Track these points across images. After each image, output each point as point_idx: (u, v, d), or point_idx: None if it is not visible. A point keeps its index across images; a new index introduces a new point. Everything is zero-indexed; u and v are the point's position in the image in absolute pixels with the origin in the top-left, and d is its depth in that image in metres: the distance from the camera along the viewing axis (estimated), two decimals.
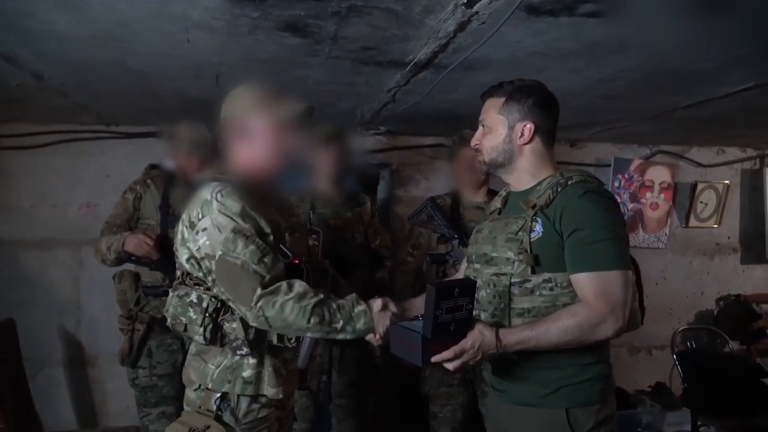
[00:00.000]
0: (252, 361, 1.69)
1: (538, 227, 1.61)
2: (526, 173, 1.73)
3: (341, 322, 1.61)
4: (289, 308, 1.56)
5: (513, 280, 1.62)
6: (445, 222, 2.73)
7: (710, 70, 2.29)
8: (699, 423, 3.41)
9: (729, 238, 4.72)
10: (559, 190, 1.62)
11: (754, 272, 4.69)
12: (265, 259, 1.59)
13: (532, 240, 1.61)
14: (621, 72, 2.33)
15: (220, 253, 1.58)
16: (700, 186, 4.55)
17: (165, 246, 2.70)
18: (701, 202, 4.58)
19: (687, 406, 3.56)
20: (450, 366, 1.51)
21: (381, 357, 2.96)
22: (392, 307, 1.71)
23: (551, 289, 1.60)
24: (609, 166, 4.35)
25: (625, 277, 1.55)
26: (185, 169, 2.74)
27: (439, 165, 4.09)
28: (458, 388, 2.83)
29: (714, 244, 4.70)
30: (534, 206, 1.63)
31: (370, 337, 1.70)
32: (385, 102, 2.92)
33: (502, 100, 1.70)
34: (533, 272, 1.61)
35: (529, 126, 1.68)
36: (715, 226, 4.67)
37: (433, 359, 1.49)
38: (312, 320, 1.57)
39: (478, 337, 1.50)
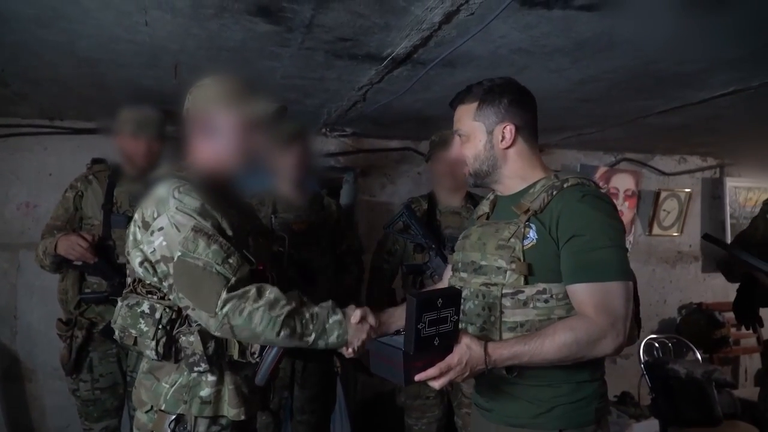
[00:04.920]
0: (211, 378, 1.56)
1: (532, 234, 1.50)
2: (515, 178, 1.61)
3: (313, 335, 1.49)
4: (258, 317, 1.42)
5: (504, 291, 1.50)
6: (422, 231, 2.61)
7: (694, 72, 2.25)
8: None
9: (690, 246, 4.77)
10: (554, 193, 1.51)
11: (715, 280, 4.75)
12: (230, 260, 1.46)
13: (525, 247, 1.49)
14: (604, 73, 2.27)
15: (179, 254, 1.44)
16: (663, 194, 4.58)
17: (106, 248, 2.52)
18: (664, 210, 4.62)
19: (656, 417, 3.53)
20: (435, 384, 1.38)
21: (342, 367, 2.81)
22: (371, 320, 1.58)
23: (546, 301, 1.48)
24: None
25: (626, 288, 1.44)
26: (131, 154, 2.56)
27: (406, 169, 4.01)
28: (435, 400, 2.73)
29: (676, 252, 4.75)
30: (527, 211, 1.51)
31: (342, 349, 1.57)
32: (355, 101, 2.78)
33: (475, 104, 1.58)
34: (526, 282, 1.49)
35: (509, 127, 1.56)
36: (677, 234, 4.72)
37: (417, 378, 1.36)
38: (282, 333, 1.44)
39: (466, 351, 1.37)
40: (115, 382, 2.65)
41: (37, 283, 3.27)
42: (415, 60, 2.11)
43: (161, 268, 1.47)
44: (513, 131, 1.56)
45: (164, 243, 1.46)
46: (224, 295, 1.41)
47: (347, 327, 1.53)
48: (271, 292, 1.46)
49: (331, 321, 1.51)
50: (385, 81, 2.41)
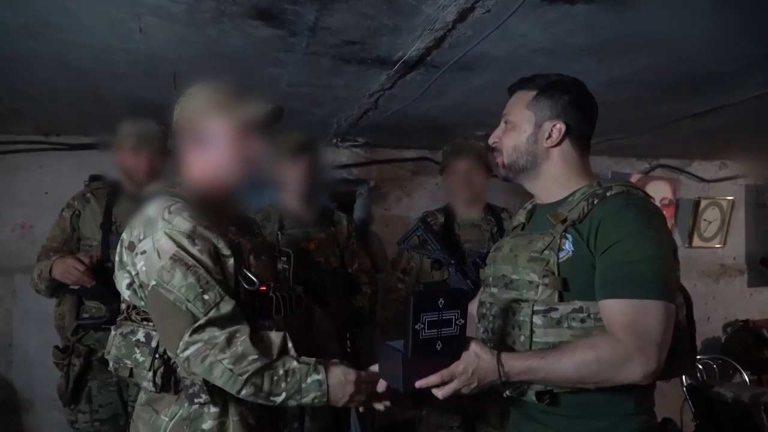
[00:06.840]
0: (213, 410, 1.52)
1: (568, 245, 1.44)
2: (553, 182, 1.56)
3: (283, 395, 1.43)
4: (218, 371, 1.38)
5: (536, 307, 1.45)
6: (440, 246, 2.57)
7: (730, 71, 2.21)
8: None
9: (735, 258, 4.69)
10: (595, 202, 1.45)
11: (761, 295, 4.66)
12: (206, 296, 1.41)
13: (560, 260, 1.43)
14: (632, 73, 2.23)
15: (154, 283, 1.42)
16: (703, 203, 4.50)
17: (104, 270, 2.50)
18: (705, 220, 4.54)
19: None
20: (439, 394, 1.34)
21: None
22: (351, 377, 1.50)
23: (582, 321, 1.41)
24: None
25: (665, 310, 1.34)
26: (132, 170, 2.56)
27: (422, 180, 3.99)
28: (458, 431, 2.66)
29: (719, 265, 4.66)
30: (564, 220, 1.46)
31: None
32: (366, 109, 2.78)
33: (533, 93, 1.54)
34: (561, 299, 1.43)
35: (559, 126, 1.51)
36: (720, 245, 4.63)
37: (417, 384, 1.32)
38: (244, 391, 1.40)
39: (473, 359, 1.33)
40: (115, 413, 2.62)
41: (34, 308, 3.27)
42: (428, 63, 2.10)
43: (142, 293, 1.47)
44: (562, 131, 1.51)
45: (144, 268, 1.45)
46: (186, 337, 1.38)
47: (327, 389, 1.46)
48: (241, 344, 1.40)
49: (309, 381, 1.45)
50: (398, 87, 2.39)
